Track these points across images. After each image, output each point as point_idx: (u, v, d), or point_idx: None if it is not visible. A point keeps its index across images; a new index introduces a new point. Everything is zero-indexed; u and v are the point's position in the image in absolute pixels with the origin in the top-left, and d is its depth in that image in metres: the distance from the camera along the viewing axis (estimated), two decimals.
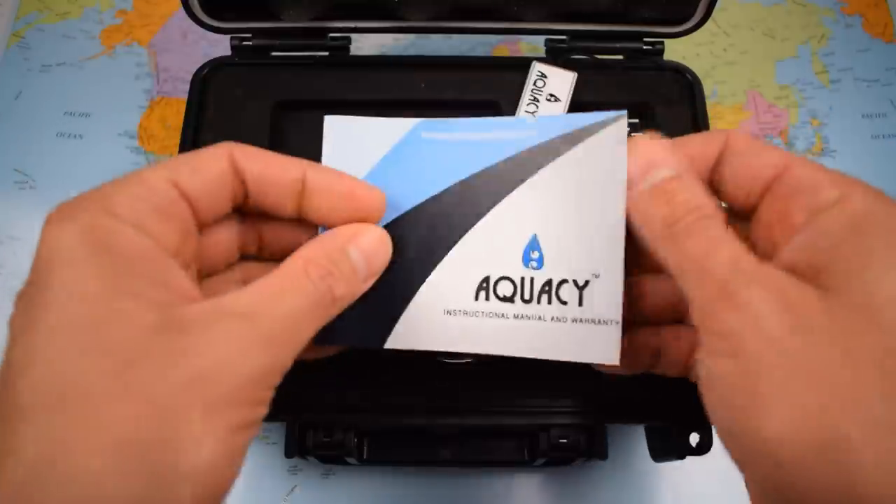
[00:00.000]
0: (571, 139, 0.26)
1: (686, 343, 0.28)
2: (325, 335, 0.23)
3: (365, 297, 0.25)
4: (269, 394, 0.21)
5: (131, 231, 0.21)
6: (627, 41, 0.42)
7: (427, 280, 0.27)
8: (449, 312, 0.26)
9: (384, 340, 0.27)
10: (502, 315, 0.26)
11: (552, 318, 0.25)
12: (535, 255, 0.25)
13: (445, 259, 0.27)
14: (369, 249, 0.25)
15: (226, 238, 0.26)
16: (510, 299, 0.25)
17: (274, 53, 0.43)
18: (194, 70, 0.41)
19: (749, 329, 0.20)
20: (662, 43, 0.42)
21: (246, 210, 0.26)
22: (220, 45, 0.42)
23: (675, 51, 0.43)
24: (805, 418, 0.18)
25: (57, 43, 0.55)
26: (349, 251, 0.24)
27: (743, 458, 0.21)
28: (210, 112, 0.40)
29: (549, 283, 0.25)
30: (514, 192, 0.26)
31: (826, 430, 0.18)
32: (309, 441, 0.34)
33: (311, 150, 0.41)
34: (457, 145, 0.27)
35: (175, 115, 0.53)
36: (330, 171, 0.26)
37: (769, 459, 0.19)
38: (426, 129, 0.27)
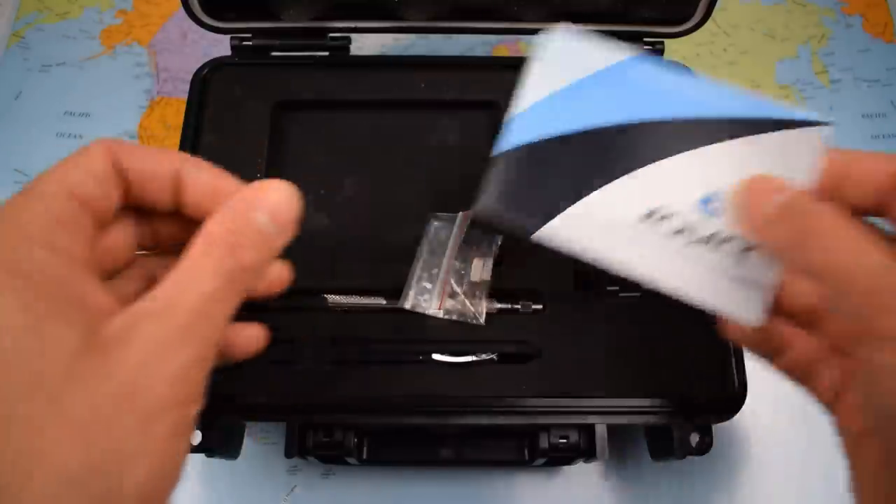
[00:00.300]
0: (775, 125, 0.26)
1: (813, 348, 0.28)
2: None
3: (534, 176, 0.24)
4: (198, 389, 0.21)
5: (43, 252, 0.20)
6: (627, 41, 0.42)
7: (602, 188, 0.25)
8: (612, 224, 0.25)
9: (537, 227, 0.25)
10: (664, 246, 0.26)
11: (711, 268, 0.25)
12: (713, 206, 0.25)
13: (621, 179, 0.26)
14: (275, 208, 0.23)
15: (122, 237, 0.26)
16: (679, 233, 0.25)
17: (274, 53, 0.43)
18: (194, 70, 0.41)
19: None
20: (662, 43, 0.42)
21: (131, 205, 0.25)
22: (220, 45, 0.42)
23: (675, 51, 0.43)
24: None
25: (57, 43, 0.55)
26: (255, 217, 0.23)
27: None
28: (210, 112, 0.40)
29: (717, 234, 0.25)
30: (705, 148, 0.26)
31: None
32: (309, 441, 0.34)
33: (311, 149, 0.41)
34: (661, 90, 0.26)
35: (175, 115, 0.53)
36: (206, 166, 0.25)
37: None
38: (636, 66, 0.27)
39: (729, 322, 0.28)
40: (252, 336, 0.26)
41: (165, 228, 0.27)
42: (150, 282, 0.26)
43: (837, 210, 0.22)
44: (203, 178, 0.25)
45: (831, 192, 0.24)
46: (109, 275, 0.26)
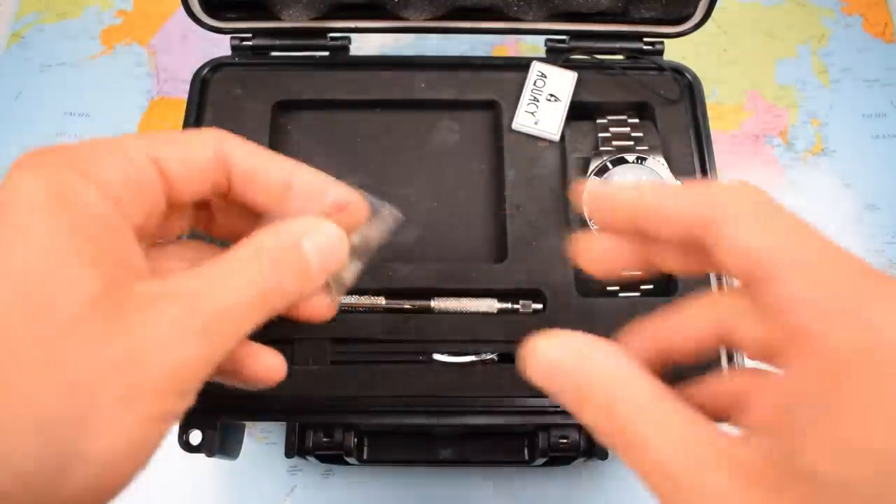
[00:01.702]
0: None
1: None
2: None
3: None
4: (196, 386, 0.20)
5: (96, 195, 0.20)
6: (627, 41, 0.42)
7: None
8: None
9: None
10: None
11: None
12: None
13: None
14: (325, 245, 0.23)
15: (180, 217, 0.26)
16: None
17: (274, 53, 0.43)
18: (194, 70, 0.41)
19: None
20: (662, 43, 0.42)
21: (226, 201, 0.25)
22: (220, 45, 0.42)
23: (675, 51, 0.43)
24: None
25: (57, 43, 0.55)
26: (304, 244, 0.23)
27: None
28: (210, 112, 0.40)
29: None
30: None
31: None
32: (309, 441, 0.34)
33: (311, 149, 0.41)
34: None
35: (175, 115, 0.53)
36: (317, 176, 0.25)
37: None
38: None
39: None
40: (272, 366, 0.25)
41: (224, 216, 0.27)
42: (189, 263, 0.25)
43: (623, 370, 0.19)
44: (313, 189, 0.25)
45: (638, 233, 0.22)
46: (152, 242, 0.25)
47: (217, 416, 0.33)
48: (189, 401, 0.20)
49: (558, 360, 0.20)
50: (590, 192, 0.23)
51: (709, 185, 0.23)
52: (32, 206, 0.19)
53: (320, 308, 0.26)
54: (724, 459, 0.17)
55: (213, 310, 0.20)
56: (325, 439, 0.34)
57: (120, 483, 0.19)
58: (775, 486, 0.16)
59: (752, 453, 0.17)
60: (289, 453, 0.34)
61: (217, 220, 0.27)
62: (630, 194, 0.22)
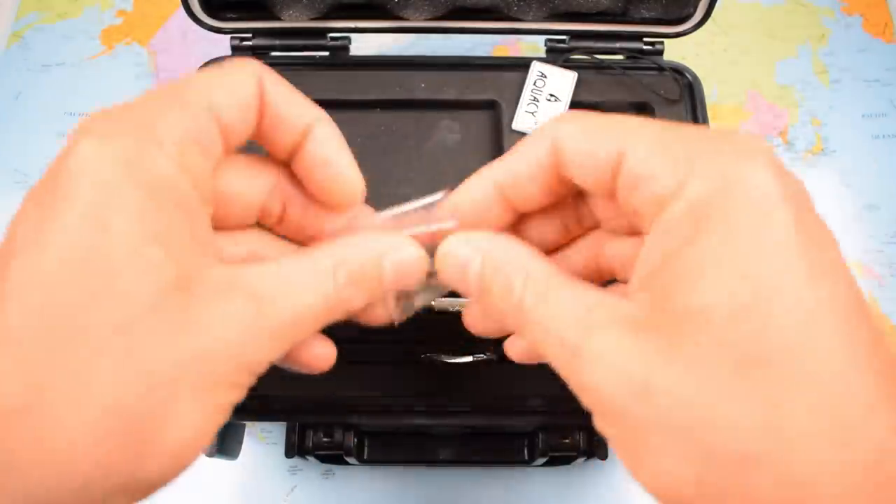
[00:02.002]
0: None
1: None
2: None
3: None
4: (249, 382, 0.21)
5: (171, 168, 0.19)
6: (627, 41, 0.42)
7: None
8: None
9: None
10: None
11: None
12: None
13: None
14: (404, 267, 0.23)
15: (249, 198, 0.24)
16: None
17: (274, 53, 0.43)
18: (194, 70, 0.41)
19: (593, 402, 0.19)
20: (662, 43, 0.42)
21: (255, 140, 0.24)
22: (221, 45, 0.43)
23: (675, 51, 0.43)
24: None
25: (57, 43, 0.55)
26: (384, 263, 0.22)
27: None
28: None
29: None
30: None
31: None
32: (309, 441, 0.34)
33: None
34: None
35: None
36: (333, 137, 0.24)
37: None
38: None
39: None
40: (322, 355, 0.25)
41: (296, 211, 0.25)
42: (245, 249, 0.25)
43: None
44: (326, 149, 0.23)
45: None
46: (216, 226, 0.24)
47: None
48: (242, 395, 0.21)
49: (467, 256, 0.22)
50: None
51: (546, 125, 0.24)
52: (106, 185, 0.18)
53: (376, 318, 0.25)
54: (612, 318, 0.19)
55: (287, 318, 0.20)
56: (325, 439, 0.34)
57: (182, 470, 0.19)
58: (656, 329, 0.18)
59: (636, 307, 0.19)
60: (289, 453, 0.34)
61: (287, 217, 0.26)
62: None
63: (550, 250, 0.26)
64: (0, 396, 0.17)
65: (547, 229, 0.26)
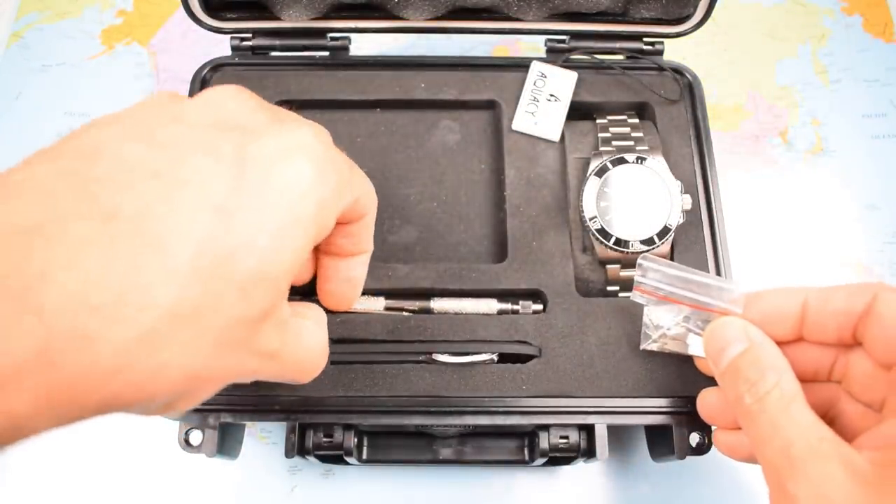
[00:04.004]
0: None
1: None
2: None
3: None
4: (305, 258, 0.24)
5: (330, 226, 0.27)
6: (627, 41, 0.42)
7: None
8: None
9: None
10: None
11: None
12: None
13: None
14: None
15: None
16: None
17: (274, 53, 0.43)
18: (194, 70, 0.41)
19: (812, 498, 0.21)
20: (662, 43, 0.42)
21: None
22: (221, 45, 0.42)
23: (675, 51, 0.43)
24: None
25: (57, 43, 0.55)
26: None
27: None
28: None
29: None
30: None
31: None
32: (309, 441, 0.34)
33: None
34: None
35: None
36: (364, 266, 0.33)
37: None
38: None
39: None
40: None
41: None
42: None
43: (765, 370, 0.25)
44: (357, 273, 0.33)
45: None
46: None
47: (217, 416, 0.33)
48: (306, 273, 0.32)
49: (736, 337, 0.26)
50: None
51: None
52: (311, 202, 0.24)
53: None
54: (839, 456, 0.22)
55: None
56: (325, 439, 0.34)
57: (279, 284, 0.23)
58: (876, 487, 0.20)
59: (865, 460, 0.22)
60: (289, 453, 0.34)
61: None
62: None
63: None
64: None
65: (803, 359, 0.29)
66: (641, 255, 0.31)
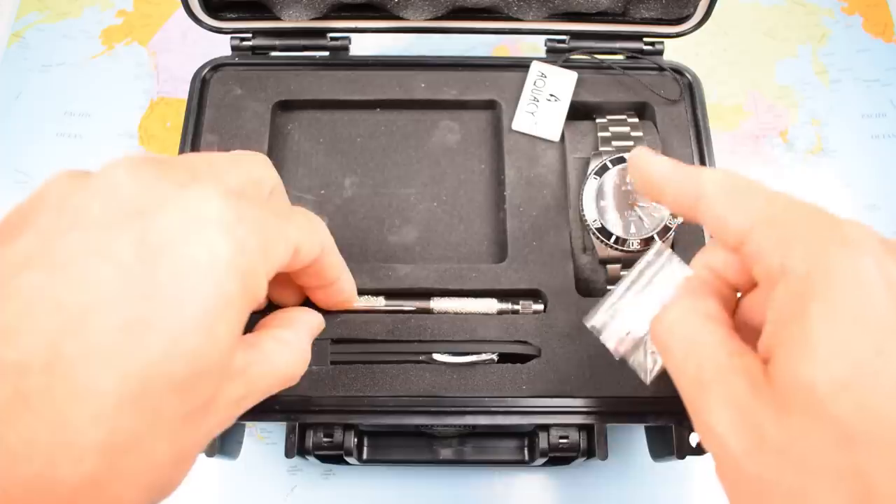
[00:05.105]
0: None
1: None
2: None
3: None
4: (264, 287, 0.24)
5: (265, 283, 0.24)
6: (627, 41, 0.42)
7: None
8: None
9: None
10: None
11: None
12: None
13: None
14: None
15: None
16: None
17: (274, 53, 0.43)
18: (194, 70, 0.41)
19: (714, 448, 0.22)
20: (662, 43, 0.42)
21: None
22: (220, 45, 0.42)
23: (675, 51, 0.43)
24: None
25: (57, 43, 0.55)
26: None
27: None
28: (210, 112, 0.40)
29: None
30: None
31: None
32: (309, 441, 0.34)
33: (311, 149, 0.41)
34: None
35: (175, 115, 0.53)
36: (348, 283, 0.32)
37: None
38: None
39: None
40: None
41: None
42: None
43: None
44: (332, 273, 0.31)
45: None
46: None
47: None
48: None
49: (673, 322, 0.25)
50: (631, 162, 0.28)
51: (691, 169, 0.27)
52: (223, 292, 0.22)
53: None
54: (742, 370, 0.22)
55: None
56: (325, 439, 0.34)
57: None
58: (768, 387, 0.21)
59: (759, 367, 0.21)
60: (289, 453, 0.34)
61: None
62: (651, 171, 0.27)
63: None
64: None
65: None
66: (584, 319, 0.29)
